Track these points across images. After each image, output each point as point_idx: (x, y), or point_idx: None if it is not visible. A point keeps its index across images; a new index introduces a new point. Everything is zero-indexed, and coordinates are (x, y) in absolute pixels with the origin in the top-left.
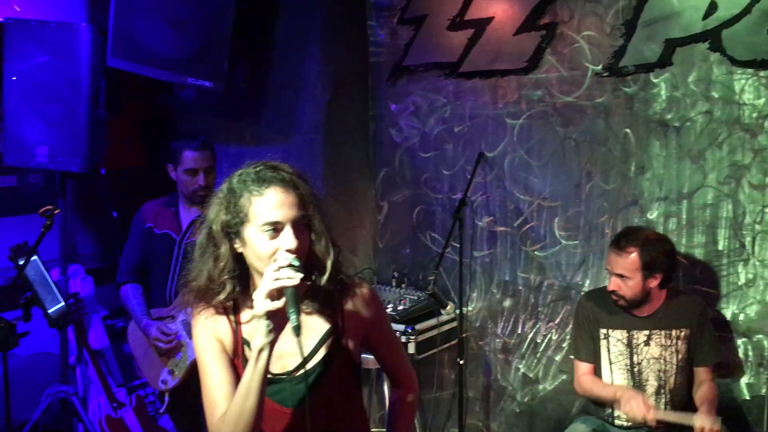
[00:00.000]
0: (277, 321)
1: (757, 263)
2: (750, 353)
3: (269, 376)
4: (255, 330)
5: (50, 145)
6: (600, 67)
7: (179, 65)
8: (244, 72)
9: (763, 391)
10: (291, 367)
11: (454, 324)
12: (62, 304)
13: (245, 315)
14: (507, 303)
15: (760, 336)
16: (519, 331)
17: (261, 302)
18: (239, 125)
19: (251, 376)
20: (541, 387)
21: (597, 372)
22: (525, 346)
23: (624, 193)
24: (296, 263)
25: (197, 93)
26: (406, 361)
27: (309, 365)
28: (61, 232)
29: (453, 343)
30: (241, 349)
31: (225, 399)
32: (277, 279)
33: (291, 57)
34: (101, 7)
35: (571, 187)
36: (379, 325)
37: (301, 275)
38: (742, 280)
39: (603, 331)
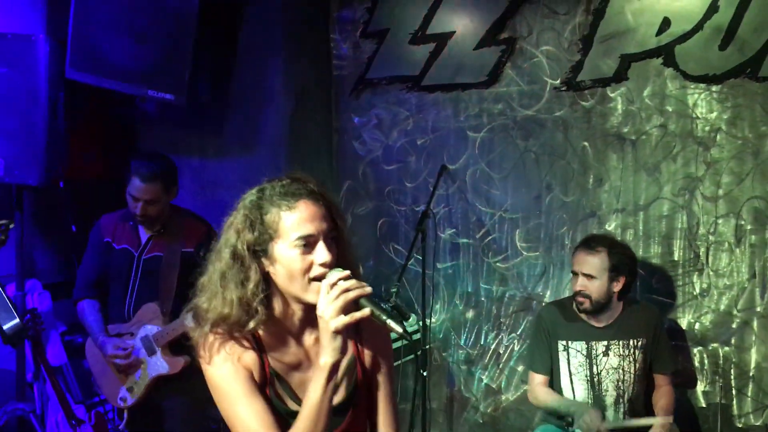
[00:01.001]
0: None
1: (711, 273)
2: (705, 361)
3: (297, 407)
4: (283, 356)
5: (6, 158)
6: (558, 81)
7: (140, 77)
8: (207, 85)
9: (718, 398)
10: None
11: (418, 335)
12: (17, 320)
13: (271, 341)
14: (470, 314)
15: (715, 344)
16: (482, 342)
17: (337, 319)
18: (201, 138)
19: (322, 396)
20: (503, 397)
21: (555, 384)
22: (488, 357)
23: (583, 205)
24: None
25: (159, 105)
26: (397, 416)
27: (340, 393)
28: (18, 247)
29: (416, 354)
30: (269, 378)
31: (268, 430)
32: (347, 291)
33: (254, 69)
34: (60, 19)
35: (532, 200)
36: (389, 357)
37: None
38: (697, 290)
39: (562, 343)
